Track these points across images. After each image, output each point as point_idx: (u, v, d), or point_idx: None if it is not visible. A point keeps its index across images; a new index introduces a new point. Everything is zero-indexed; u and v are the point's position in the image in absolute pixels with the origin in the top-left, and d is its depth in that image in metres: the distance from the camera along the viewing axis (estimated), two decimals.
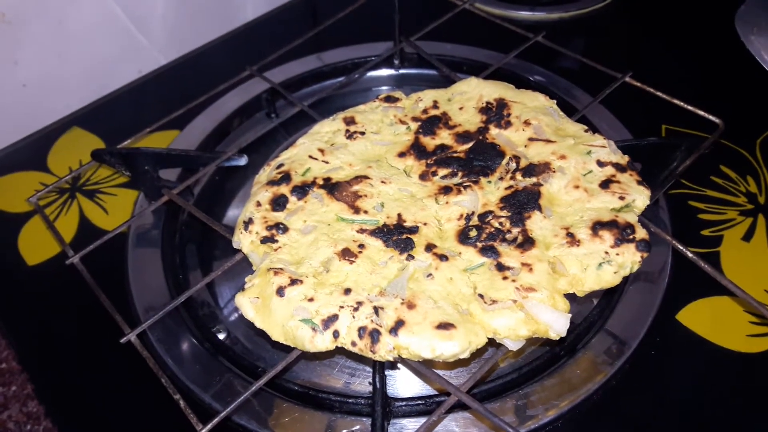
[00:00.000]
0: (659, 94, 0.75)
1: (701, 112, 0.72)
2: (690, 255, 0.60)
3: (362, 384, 0.68)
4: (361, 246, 0.61)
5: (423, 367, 0.55)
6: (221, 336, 0.72)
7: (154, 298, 0.74)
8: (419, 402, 0.63)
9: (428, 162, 0.70)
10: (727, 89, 0.95)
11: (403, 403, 0.63)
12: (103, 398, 0.69)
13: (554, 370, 0.65)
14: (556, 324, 0.55)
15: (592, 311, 0.68)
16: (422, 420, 0.57)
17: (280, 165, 0.70)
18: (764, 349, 0.66)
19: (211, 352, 0.69)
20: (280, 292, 0.57)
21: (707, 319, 0.69)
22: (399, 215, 0.64)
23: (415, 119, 0.75)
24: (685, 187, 0.82)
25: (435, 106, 0.76)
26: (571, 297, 0.58)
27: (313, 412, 0.64)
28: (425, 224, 0.63)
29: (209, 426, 0.53)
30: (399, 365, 0.68)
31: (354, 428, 0.63)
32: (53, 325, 0.76)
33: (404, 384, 0.68)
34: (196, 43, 1.14)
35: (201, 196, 0.87)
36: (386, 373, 0.67)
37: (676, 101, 0.74)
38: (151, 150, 0.78)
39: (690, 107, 0.73)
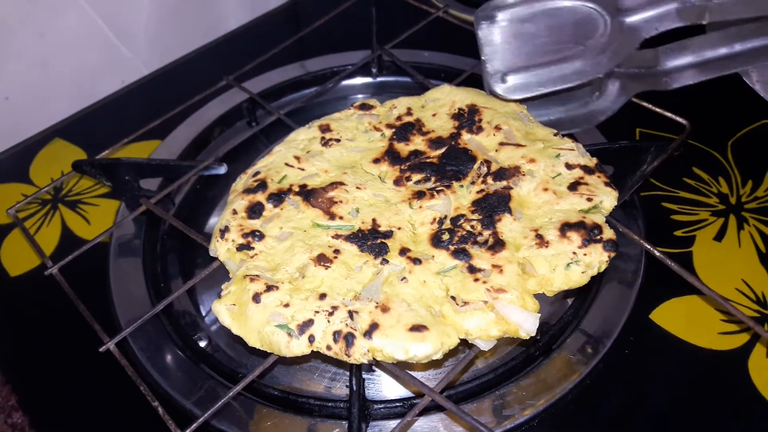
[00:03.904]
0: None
1: (668, 114, 0.74)
2: (657, 254, 0.61)
3: (342, 388, 0.69)
4: (337, 251, 0.62)
5: (398, 370, 0.56)
6: (203, 343, 0.73)
7: (136, 307, 0.74)
8: (397, 404, 0.64)
9: (402, 168, 0.71)
10: (699, 92, 0.95)
11: (382, 406, 0.64)
12: (88, 407, 0.69)
13: (530, 370, 0.66)
14: (526, 323, 0.56)
15: (567, 311, 0.69)
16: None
17: (257, 173, 0.71)
18: (735, 347, 0.68)
19: (193, 360, 0.69)
20: (256, 298, 0.58)
21: (680, 318, 0.70)
22: (374, 220, 0.65)
23: (389, 126, 0.76)
24: (658, 189, 0.83)
25: (409, 113, 0.77)
26: (544, 297, 0.59)
27: (293, 416, 0.64)
28: (399, 229, 0.64)
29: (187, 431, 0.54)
30: (375, 368, 0.69)
31: (333, 431, 0.63)
32: (37, 335, 0.76)
33: (386, 386, 0.69)
34: (179, 53, 1.15)
35: (182, 204, 0.88)
36: (368, 376, 0.69)
37: (644, 104, 0.75)
38: (131, 160, 0.79)
39: (657, 109, 0.74)
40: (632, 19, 0.72)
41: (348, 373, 0.68)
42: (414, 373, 0.64)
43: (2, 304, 0.80)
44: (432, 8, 0.95)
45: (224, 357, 0.72)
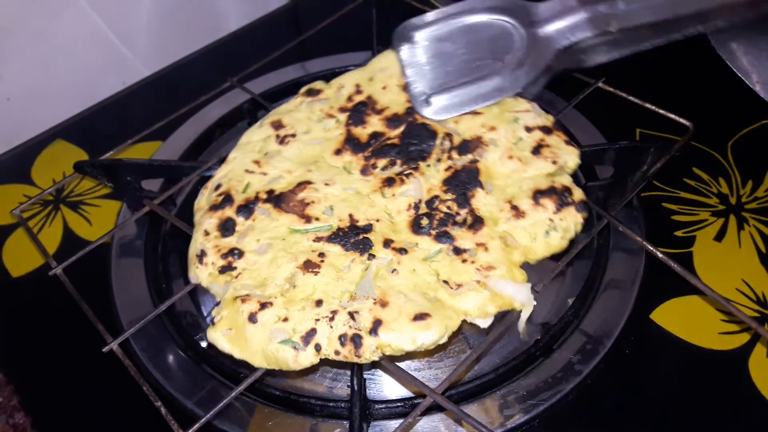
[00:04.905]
0: (631, 98, 0.77)
1: (672, 116, 0.74)
2: (659, 255, 0.62)
3: (343, 388, 0.69)
4: (322, 255, 0.61)
5: (400, 371, 0.56)
6: (204, 344, 0.73)
7: (138, 307, 0.75)
8: (398, 404, 0.64)
9: (366, 155, 0.69)
10: (700, 93, 0.96)
11: (383, 406, 0.64)
12: (90, 408, 0.69)
13: (530, 370, 0.66)
14: (519, 295, 0.57)
15: (568, 312, 0.69)
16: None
17: (218, 186, 0.68)
18: (736, 347, 0.68)
19: (195, 360, 0.70)
20: (251, 318, 0.56)
21: (680, 318, 0.70)
22: (350, 216, 0.64)
23: (342, 110, 0.74)
24: (659, 189, 0.84)
25: (358, 91, 0.75)
26: (546, 296, 0.60)
27: (295, 416, 0.65)
28: (377, 220, 0.64)
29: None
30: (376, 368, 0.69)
31: (335, 431, 0.64)
32: (39, 336, 0.76)
33: (387, 386, 0.69)
34: (180, 54, 1.16)
35: (183, 206, 0.87)
36: (369, 376, 0.69)
37: (647, 105, 0.75)
38: (133, 161, 0.79)
39: (661, 111, 0.74)
40: (545, 30, 0.71)
41: (349, 373, 0.69)
42: (415, 373, 0.65)
43: (4, 305, 0.81)
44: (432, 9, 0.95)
45: (226, 357, 0.72)
